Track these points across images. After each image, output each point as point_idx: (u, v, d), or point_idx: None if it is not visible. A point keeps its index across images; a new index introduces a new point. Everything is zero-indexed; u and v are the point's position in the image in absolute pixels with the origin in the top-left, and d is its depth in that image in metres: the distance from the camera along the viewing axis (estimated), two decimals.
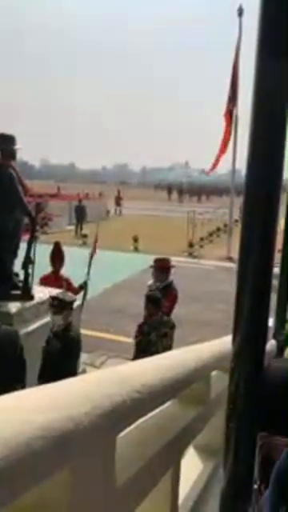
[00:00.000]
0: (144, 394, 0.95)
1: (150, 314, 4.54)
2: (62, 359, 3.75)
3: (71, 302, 4.05)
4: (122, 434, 0.90)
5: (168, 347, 4.34)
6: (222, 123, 14.22)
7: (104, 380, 0.93)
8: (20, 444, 0.58)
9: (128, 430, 0.98)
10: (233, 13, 14.48)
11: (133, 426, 1.02)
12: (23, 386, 2.96)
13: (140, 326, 4.58)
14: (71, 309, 4.04)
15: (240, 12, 14.58)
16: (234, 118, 14.29)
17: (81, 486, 0.75)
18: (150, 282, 5.56)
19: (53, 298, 4.04)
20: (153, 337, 4.44)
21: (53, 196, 29.12)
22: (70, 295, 4.32)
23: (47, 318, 4.29)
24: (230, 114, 14.25)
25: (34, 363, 3.57)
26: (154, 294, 4.73)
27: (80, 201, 23.24)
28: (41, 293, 4.82)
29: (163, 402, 1.27)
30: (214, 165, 14.42)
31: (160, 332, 4.47)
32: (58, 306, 3.97)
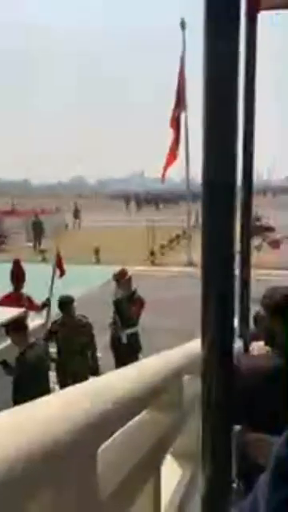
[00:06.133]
0: (118, 405, 0.95)
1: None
2: (24, 382, 3.65)
3: (7, 324, 3.97)
4: (103, 447, 0.90)
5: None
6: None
7: (79, 395, 0.92)
8: None
9: (107, 442, 0.98)
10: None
11: (111, 439, 1.02)
12: None
13: None
14: (24, 330, 3.94)
15: (183, 25, 15.07)
16: (181, 124, 14.47)
17: (64, 502, 0.74)
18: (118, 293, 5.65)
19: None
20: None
21: (8, 213, 28.42)
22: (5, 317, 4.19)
23: (8, 341, 4.15)
24: (177, 122, 14.40)
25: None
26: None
27: (36, 216, 22.80)
28: (1, 314, 4.67)
29: (139, 412, 1.27)
30: (163, 175, 14.39)
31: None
32: (6, 331, 3.89)
